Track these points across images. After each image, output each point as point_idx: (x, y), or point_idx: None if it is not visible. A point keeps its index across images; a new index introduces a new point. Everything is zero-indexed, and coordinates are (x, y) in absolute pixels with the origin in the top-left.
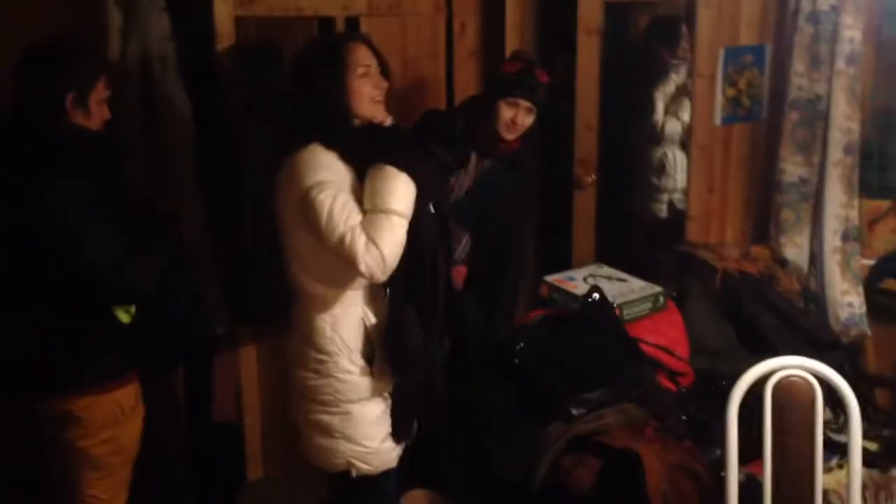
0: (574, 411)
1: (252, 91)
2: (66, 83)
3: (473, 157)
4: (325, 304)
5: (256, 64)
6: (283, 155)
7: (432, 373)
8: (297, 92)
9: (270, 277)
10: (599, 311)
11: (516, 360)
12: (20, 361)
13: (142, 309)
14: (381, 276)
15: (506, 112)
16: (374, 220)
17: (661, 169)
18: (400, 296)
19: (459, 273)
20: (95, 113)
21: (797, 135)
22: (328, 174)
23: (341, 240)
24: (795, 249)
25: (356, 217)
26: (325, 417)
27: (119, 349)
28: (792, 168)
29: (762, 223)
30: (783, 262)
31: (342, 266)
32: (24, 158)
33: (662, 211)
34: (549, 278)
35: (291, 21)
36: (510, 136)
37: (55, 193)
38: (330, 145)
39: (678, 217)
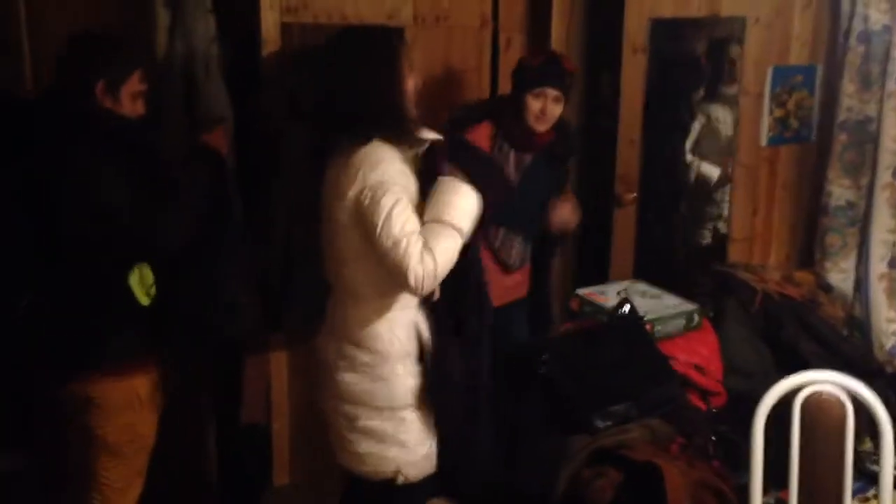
0: (599, 424)
1: (295, 94)
2: (98, 71)
3: (513, 156)
4: (383, 307)
5: (302, 68)
6: (333, 153)
7: (477, 404)
8: (348, 86)
9: (304, 279)
10: (628, 325)
11: (542, 371)
12: (39, 342)
13: (160, 291)
14: (426, 289)
15: (534, 104)
16: (434, 230)
17: (707, 195)
18: (444, 323)
19: (522, 276)
20: (127, 105)
21: (845, 157)
22: (392, 174)
23: (396, 244)
24: (840, 275)
25: (415, 224)
26: (378, 423)
27: (137, 333)
28: (839, 191)
29: (807, 247)
30: (827, 288)
31: None
32: (54, 134)
33: (706, 237)
34: (581, 291)
35: (335, 29)
36: (541, 127)
37: (81, 165)
38: (390, 140)
39: (722, 242)
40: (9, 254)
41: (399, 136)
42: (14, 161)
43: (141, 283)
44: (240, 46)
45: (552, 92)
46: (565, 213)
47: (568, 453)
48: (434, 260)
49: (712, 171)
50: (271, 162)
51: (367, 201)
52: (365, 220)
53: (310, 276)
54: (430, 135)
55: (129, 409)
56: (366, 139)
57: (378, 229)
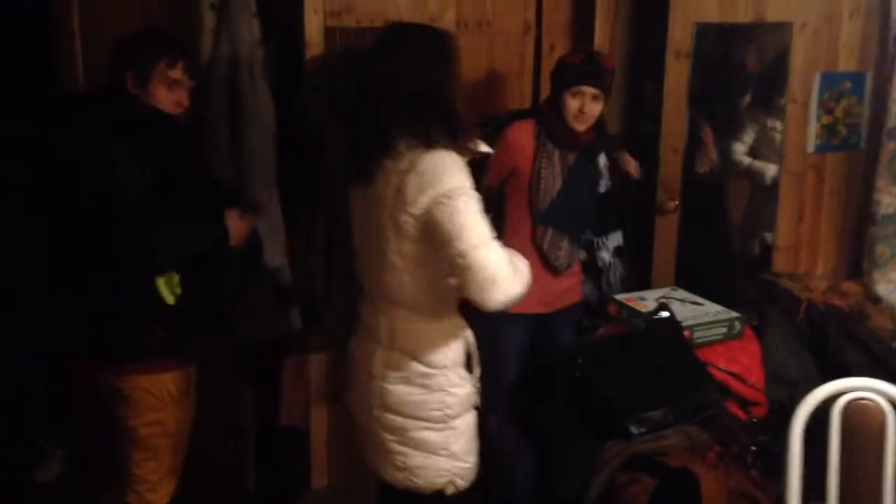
0: (633, 430)
1: (338, 97)
2: (126, 62)
3: (557, 155)
4: (437, 316)
5: (348, 70)
6: (385, 160)
7: None
8: (408, 85)
9: (344, 282)
10: (666, 330)
11: (577, 374)
12: (70, 334)
13: (186, 291)
14: (505, 299)
15: (572, 103)
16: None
17: (760, 200)
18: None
19: (572, 280)
20: (161, 95)
21: (894, 165)
22: (465, 180)
23: (483, 244)
24: (889, 286)
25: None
26: (430, 434)
27: (163, 330)
28: (888, 199)
29: (856, 257)
30: (875, 299)
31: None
32: (87, 126)
33: (754, 247)
34: (619, 296)
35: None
36: (580, 126)
37: (105, 156)
38: (452, 147)
39: (767, 252)
40: (26, 247)
41: (459, 142)
42: (45, 154)
43: (167, 282)
44: (284, 50)
45: (590, 90)
46: (625, 158)
47: (602, 458)
48: (517, 271)
49: (766, 168)
50: (313, 164)
51: (443, 206)
52: (439, 226)
53: (349, 279)
54: (483, 147)
55: (159, 405)
56: (430, 146)
57: (460, 232)
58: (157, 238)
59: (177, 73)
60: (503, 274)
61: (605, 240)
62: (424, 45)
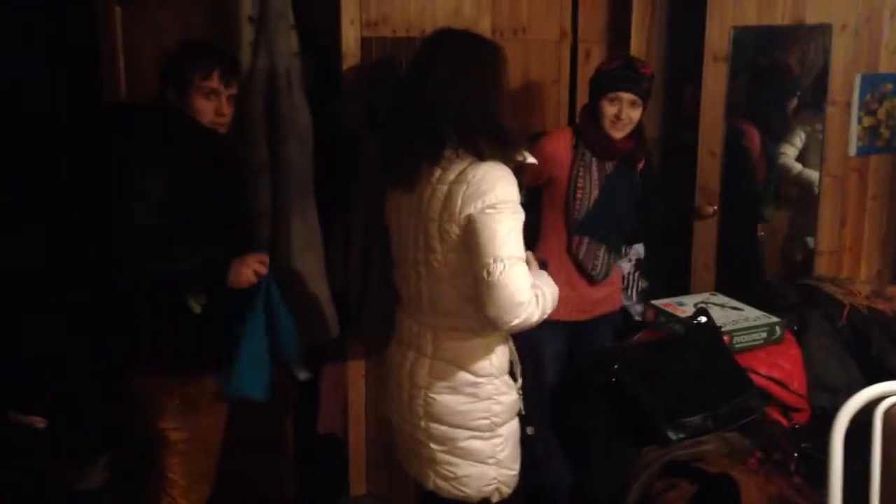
0: (672, 435)
1: (373, 107)
2: (166, 76)
3: (595, 164)
4: (481, 325)
5: (381, 80)
6: (429, 169)
7: None
8: (464, 95)
9: (382, 288)
10: (705, 335)
11: (613, 379)
12: (102, 339)
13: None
14: (518, 324)
15: (609, 109)
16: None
17: (804, 205)
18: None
19: (610, 289)
20: (201, 106)
21: None
22: (513, 192)
23: (512, 261)
24: None
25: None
26: (478, 443)
27: (189, 339)
28: None
29: None
30: None
31: None
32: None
33: (796, 253)
34: (657, 302)
35: (413, 42)
36: (618, 132)
37: (124, 159)
38: (501, 158)
39: (809, 257)
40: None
41: (508, 153)
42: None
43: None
44: (321, 61)
45: (627, 96)
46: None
47: (639, 464)
48: (540, 297)
49: (815, 178)
50: (349, 173)
51: (486, 216)
52: (476, 235)
53: (386, 286)
54: (530, 158)
55: (188, 410)
56: (480, 157)
57: (491, 245)
58: (148, 253)
59: (212, 83)
60: (523, 298)
61: (628, 250)
62: (473, 55)
